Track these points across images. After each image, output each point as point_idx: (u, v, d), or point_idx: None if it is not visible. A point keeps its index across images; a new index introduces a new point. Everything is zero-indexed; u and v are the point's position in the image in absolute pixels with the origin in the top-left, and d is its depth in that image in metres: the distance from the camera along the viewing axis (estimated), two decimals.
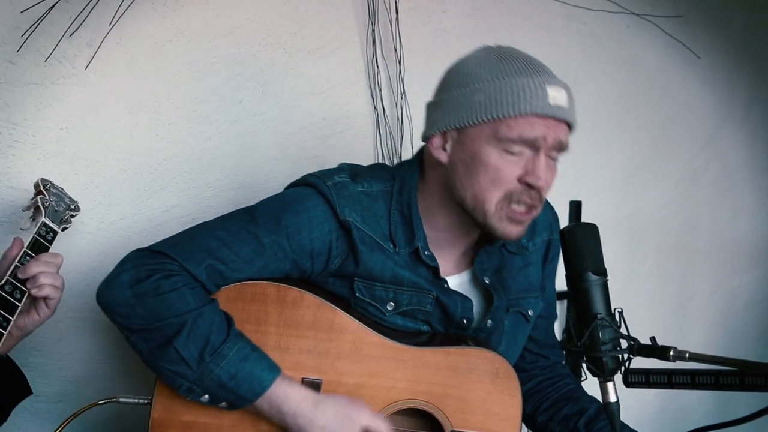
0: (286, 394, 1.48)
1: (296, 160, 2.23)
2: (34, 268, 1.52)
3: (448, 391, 1.58)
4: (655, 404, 3.17)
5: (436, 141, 1.56)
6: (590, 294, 1.26)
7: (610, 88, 2.83)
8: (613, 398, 1.26)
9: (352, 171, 1.65)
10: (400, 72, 2.35)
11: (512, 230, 1.53)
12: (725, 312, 3.36)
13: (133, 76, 2.02)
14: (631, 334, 1.28)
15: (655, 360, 1.23)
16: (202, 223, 1.60)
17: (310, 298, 1.57)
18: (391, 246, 1.60)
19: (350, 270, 1.60)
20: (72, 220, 1.69)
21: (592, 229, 1.29)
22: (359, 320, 1.58)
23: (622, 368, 1.25)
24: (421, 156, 1.67)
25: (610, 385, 1.27)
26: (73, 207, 1.70)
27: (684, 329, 3.21)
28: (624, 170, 2.92)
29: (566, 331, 1.28)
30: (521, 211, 1.51)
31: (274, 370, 1.48)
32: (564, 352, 1.92)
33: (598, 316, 1.24)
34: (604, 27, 2.75)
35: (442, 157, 1.55)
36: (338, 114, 2.28)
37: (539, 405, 1.82)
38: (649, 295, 3.08)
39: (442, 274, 1.64)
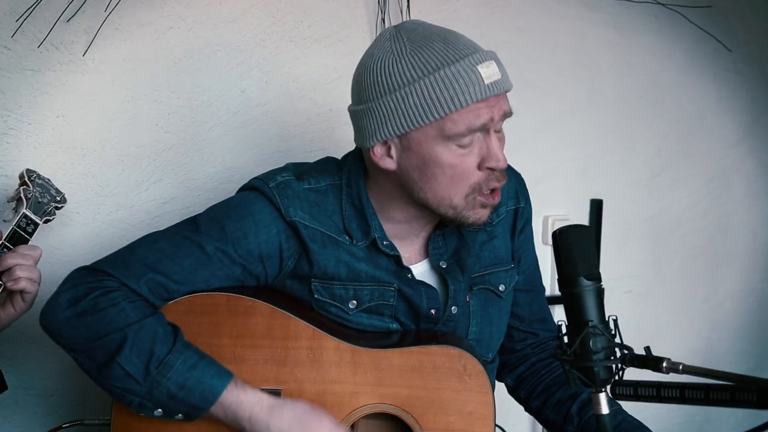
0: (239, 400, 1.47)
1: (301, 152, 2.22)
2: (10, 260, 1.53)
3: (414, 393, 1.57)
4: (680, 414, 3.12)
5: (378, 150, 1.53)
6: (582, 300, 1.21)
7: (635, 82, 2.77)
8: (605, 410, 1.22)
9: (297, 169, 1.64)
10: None
11: (484, 215, 1.55)
12: (759, 318, 3.28)
13: (132, 64, 2.03)
14: (645, 343, 1.23)
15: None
16: (146, 235, 1.60)
17: (262, 306, 1.56)
18: (347, 239, 1.59)
19: (305, 271, 1.59)
20: (57, 212, 1.70)
21: (586, 231, 1.25)
22: (315, 325, 1.57)
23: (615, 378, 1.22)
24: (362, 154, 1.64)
25: (602, 396, 1.22)
26: (59, 198, 1.71)
27: (713, 336, 3.15)
28: (649, 168, 2.86)
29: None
30: (492, 196, 1.54)
31: (225, 376, 1.47)
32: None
33: (590, 324, 1.20)
34: (628, 17, 2.69)
35: (390, 165, 1.53)
36: (345, 105, 2.17)
37: (533, 390, 1.80)
38: (675, 299, 3.02)
39: (406, 263, 1.62)
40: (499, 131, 1.52)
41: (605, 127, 2.74)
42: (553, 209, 2.63)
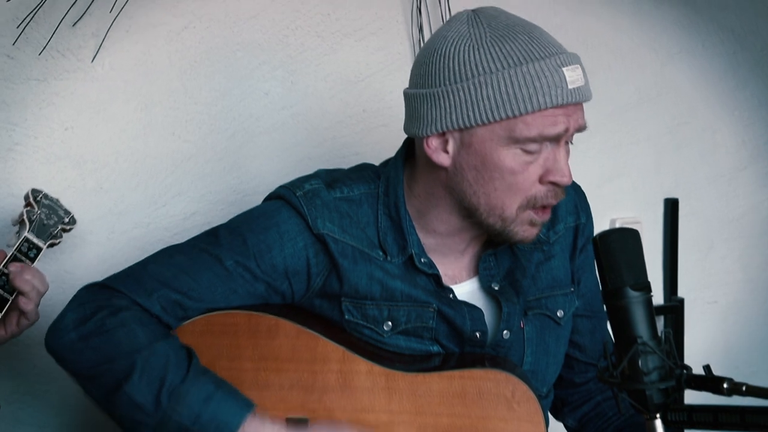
0: None
1: (332, 158, 2.21)
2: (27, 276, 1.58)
3: (456, 422, 1.53)
4: None
5: (433, 142, 1.49)
6: (629, 313, 1.17)
7: (713, 65, 2.69)
8: None
9: (329, 176, 1.63)
10: None
11: (532, 233, 1.52)
12: None
13: (145, 69, 2.04)
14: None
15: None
16: (162, 249, 1.60)
17: (286, 326, 1.55)
18: (381, 254, 1.57)
19: (335, 289, 1.57)
20: (64, 234, 1.71)
21: (631, 235, 1.21)
22: (345, 346, 1.54)
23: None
24: (407, 150, 1.61)
25: (657, 423, 1.17)
26: (67, 220, 1.72)
27: None
28: (732, 161, 2.77)
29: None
30: (544, 212, 1.50)
31: (242, 410, 1.44)
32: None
33: (639, 340, 1.15)
34: None
35: (444, 160, 1.50)
36: (380, 105, 2.25)
37: None
38: None
39: (448, 283, 1.59)
40: (566, 143, 1.50)
41: (678, 118, 2.67)
42: (620, 211, 2.57)
